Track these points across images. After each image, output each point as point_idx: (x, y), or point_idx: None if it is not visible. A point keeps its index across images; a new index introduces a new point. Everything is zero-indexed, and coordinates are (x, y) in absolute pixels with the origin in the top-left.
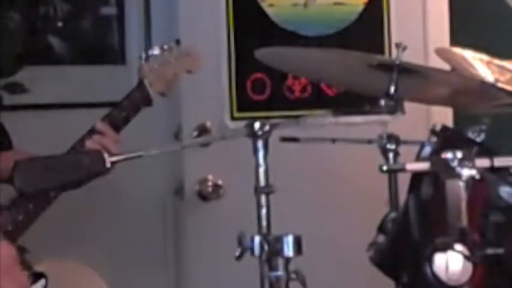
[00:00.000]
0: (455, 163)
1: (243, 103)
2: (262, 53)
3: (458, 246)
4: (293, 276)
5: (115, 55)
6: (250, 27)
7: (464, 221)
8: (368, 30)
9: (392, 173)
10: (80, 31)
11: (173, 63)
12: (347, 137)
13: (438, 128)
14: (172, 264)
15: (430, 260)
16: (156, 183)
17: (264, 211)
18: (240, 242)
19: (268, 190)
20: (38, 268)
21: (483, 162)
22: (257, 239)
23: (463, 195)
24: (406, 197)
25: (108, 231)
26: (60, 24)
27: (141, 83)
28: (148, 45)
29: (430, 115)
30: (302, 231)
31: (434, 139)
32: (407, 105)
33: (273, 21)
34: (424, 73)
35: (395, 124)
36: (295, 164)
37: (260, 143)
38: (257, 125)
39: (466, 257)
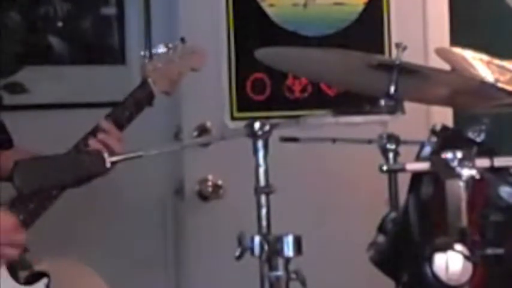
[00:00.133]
0: (455, 163)
1: (243, 103)
2: (262, 53)
3: (458, 246)
4: (293, 276)
5: (115, 55)
6: (250, 27)
7: (464, 221)
8: (368, 30)
9: (392, 173)
10: (80, 31)
11: (177, 62)
12: (347, 137)
13: (438, 128)
14: (172, 264)
15: (430, 260)
16: (156, 183)
17: (264, 211)
18: (240, 242)
19: (268, 190)
20: (38, 267)
21: (483, 162)
22: (257, 239)
23: (463, 195)
24: (406, 197)
25: (108, 231)
26: (60, 24)
27: (144, 82)
28: (148, 45)
29: (430, 115)
30: (302, 231)
31: (434, 139)
32: (407, 105)
33: (273, 21)
34: (424, 73)
35: (395, 124)
36: (295, 164)
37: (260, 143)
38: (257, 125)
39: (466, 257)
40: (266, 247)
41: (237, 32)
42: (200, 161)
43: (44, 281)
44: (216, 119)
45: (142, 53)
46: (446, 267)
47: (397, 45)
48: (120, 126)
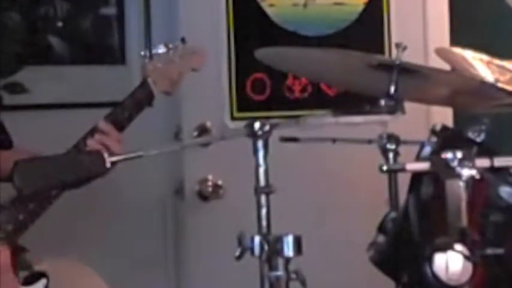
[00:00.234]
0: (455, 163)
1: (243, 103)
2: (262, 53)
3: (458, 246)
4: (293, 276)
5: (115, 55)
6: (250, 27)
7: (464, 221)
8: (368, 30)
9: (392, 173)
10: (80, 31)
11: (178, 62)
12: (347, 137)
13: (438, 128)
14: (172, 264)
15: (430, 260)
16: (156, 183)
17: (264, 211)
18: (240, 242)
19: (268, 190)
20: (38, 268)
21: (483, 162)
22: (257, 239)
23: (463, 195)
24: (406, 197)
25: (108, 231)
26: (60, 24)
27: (144, 82)
28: (148, 45)
29: (430, 115)
30: (302, 231)
31: (434, 139)
32: (407, 105)
33: (273, 21)
34: (424, 73)
35: (395, 124)
36: (295, 164)
37: (260, 143)
38: (257, 125)
39: (466, 257)
40: (266, 247)
41: (237, 32)
42: (200, 161)
43: (43, 281)
44: (216, 119)
45: (142, 53)
46: (446, 267)
47: (397, 45)
48: (120, 126)
